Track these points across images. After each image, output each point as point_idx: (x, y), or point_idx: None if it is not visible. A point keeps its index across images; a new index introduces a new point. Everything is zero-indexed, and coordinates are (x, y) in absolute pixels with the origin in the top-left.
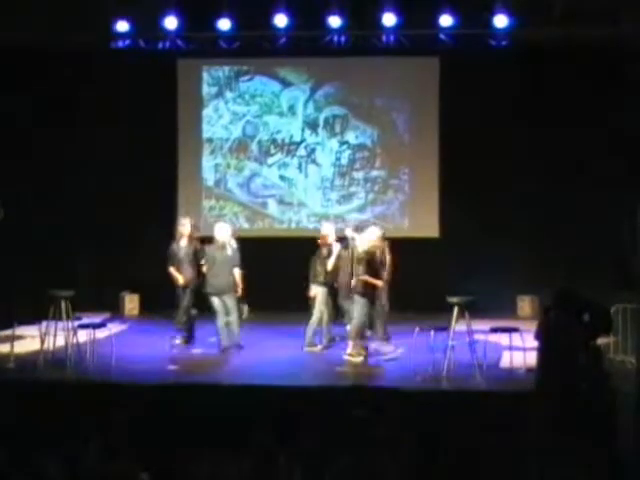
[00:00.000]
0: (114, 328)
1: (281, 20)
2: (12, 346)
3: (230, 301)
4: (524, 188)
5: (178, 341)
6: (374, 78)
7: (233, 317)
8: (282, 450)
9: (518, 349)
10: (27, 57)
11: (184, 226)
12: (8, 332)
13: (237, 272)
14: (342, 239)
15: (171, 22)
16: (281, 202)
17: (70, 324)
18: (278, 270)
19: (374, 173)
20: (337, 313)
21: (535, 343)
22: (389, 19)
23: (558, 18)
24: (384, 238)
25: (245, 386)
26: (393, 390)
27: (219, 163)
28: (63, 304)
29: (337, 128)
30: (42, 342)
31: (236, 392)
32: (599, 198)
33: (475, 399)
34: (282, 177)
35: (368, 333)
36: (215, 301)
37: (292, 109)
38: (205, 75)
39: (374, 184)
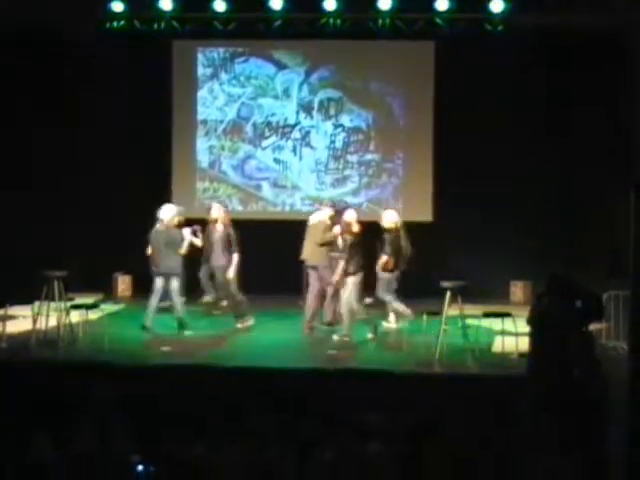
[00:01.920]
0: (107, 309)
1: (276, 2)
2: (4, 326)
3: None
4: (518, 173)
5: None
6: (369, 61)
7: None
8: (277, 432)
9: (510, 334)
10: (25, 39)
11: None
12: (0, 312)
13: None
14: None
15: (166, 3)
16: (275, 185)
17: (63, 304)
18: (272, 253)
19: (368, 157)
20: None
21: (527, 328)
22: (385, 3)
23: (554, 2)
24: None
25: (238, 368)
26: (386, 373)
27: (213, 145)
28: (56, 284)
29: (332, 111)
30: (34, 322)
31: (229, 374)
32: (596, 184)
33: (467, 383)
34: (276, 160)
35: None
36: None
37: (287, 92)
38: (200, 56)
39: (368, 168)
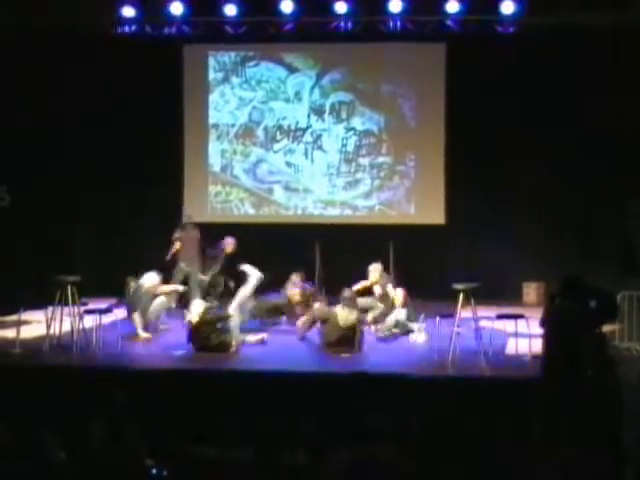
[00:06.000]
0: (120, 313)
1: (287, 6)
2: (18, 331)
3: None
4: (530, 175)
5: None
6: (380, 64)
7: None
8: (288, 434)
9: (524, 336)
10: (37, 43)
11: None
12: (14, 317)
13: None
14: None
15: (177, 7)
16: (287, 188)
17: (76, 309)
18: (283, 256)
19: (380, 159)
20: None
21: (541, 330)
22: (395, 5)
23: (566, 4)
24: None
25: (249, 371)
26: (400, 376)
27: (225, 149)
28: (69, 289)
29: (343, 114)
30: (48, 327)
31: (241, 377)
32: (609, 183)
33: (480, 385)
34: (288, 163)
35: None
36: None
37: (298, 95)
38: (211, 60)
39: (380, 170)
